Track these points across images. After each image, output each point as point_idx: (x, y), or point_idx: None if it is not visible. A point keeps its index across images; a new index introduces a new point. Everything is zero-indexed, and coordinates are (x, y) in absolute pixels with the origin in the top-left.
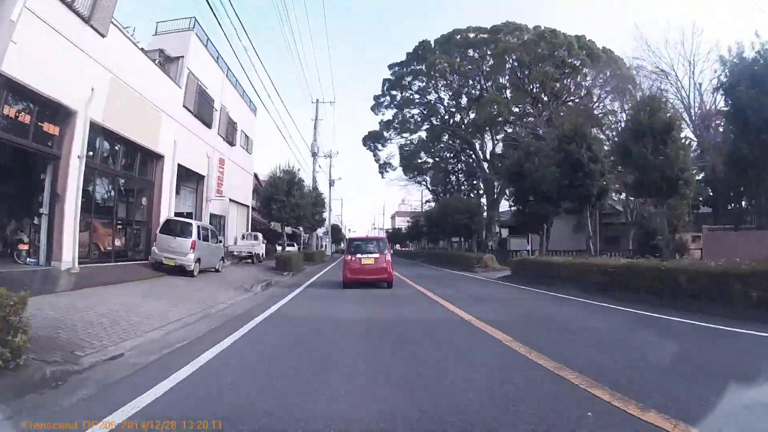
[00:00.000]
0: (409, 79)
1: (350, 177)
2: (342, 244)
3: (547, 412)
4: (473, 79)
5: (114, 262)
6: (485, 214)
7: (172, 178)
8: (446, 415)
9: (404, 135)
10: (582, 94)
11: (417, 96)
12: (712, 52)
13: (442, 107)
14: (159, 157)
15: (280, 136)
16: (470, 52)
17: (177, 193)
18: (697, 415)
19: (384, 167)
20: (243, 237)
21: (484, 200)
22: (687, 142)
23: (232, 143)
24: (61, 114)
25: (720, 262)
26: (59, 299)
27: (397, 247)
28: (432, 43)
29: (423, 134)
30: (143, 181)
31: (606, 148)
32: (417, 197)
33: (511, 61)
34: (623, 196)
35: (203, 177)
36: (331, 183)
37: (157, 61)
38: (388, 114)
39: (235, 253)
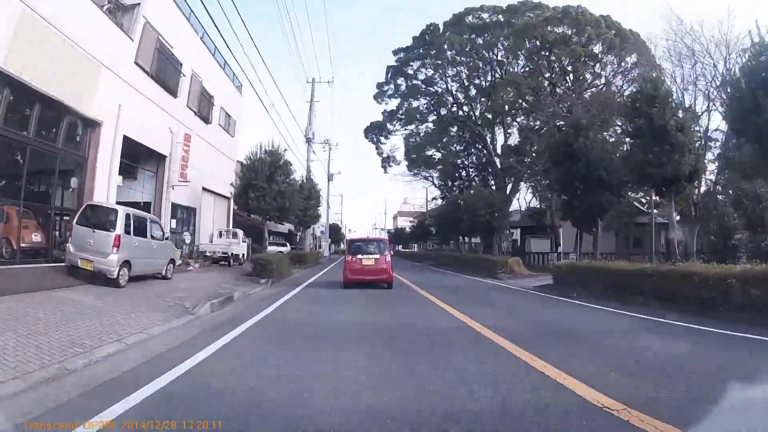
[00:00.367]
0: (415, 66)
1: (351, 177)
2: (342, 245)
3: None
4: (484, 67)
5: (19, 263)
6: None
7: (114, 152)
8: None
9: (409, 126)
10: (610, 78)
11: (423, 86)
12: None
13: (450, 98)
14: (95, 125)
15: (272, 123)
16: (480, 40)
17: (134, 177)
18: None
19: (387, 161)
20: (220, 234)
21: None
22: None
23: (206, 120)
24: None
25: None
26: None
27: (400, 248)
28: (441, 26)
29: (430, 125)
30: (71, 155)
31: None
32: (421, 195)
33: (531, 41)
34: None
35: (165, 158)
36: (330, 177)
37: (105, 8)
38: (393, 104)
39: (208, 254)
